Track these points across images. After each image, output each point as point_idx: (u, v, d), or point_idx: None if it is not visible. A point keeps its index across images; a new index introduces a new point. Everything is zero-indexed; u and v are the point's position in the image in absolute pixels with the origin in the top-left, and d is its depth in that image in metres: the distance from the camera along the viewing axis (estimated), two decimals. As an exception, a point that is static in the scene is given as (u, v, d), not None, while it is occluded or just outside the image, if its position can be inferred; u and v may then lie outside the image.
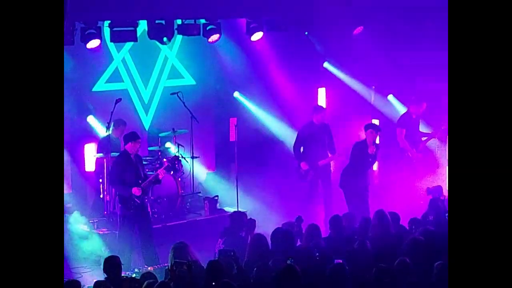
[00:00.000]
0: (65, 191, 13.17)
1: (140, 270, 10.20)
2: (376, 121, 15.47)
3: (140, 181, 11.48)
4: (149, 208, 12.07)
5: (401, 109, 15.58)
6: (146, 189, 11.56)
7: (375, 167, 14.16)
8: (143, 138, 14.55)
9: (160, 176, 11.70)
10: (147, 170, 12.23)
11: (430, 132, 14.47)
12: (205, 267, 8.30)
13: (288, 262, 8.22)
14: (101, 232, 12.50)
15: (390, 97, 15.89)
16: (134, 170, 11.48)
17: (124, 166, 11.44)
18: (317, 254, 8.82)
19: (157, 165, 12.95)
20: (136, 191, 11.36)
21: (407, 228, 10.25)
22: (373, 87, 15.93)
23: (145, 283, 7.88)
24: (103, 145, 12.98)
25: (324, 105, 14.35)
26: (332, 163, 14.04)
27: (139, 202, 11.46)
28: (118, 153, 12.05)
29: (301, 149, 13.72)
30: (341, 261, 8.34)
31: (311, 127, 13.73)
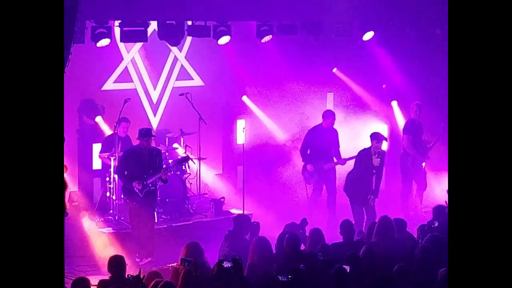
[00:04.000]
0: (72, 189, 13.22)
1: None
2: (384, 127, 15.48)
3: (145, 176, 11.75)
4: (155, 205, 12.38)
5: (400, 115, 15.72)
6: (147, 186, 11.80)
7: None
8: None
9: (163, 176, 11.91)
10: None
11: (434, 138, 14.49)
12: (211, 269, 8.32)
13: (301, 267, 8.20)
14: (107, 231, 12.50)
15: (394, 103, 15.92)
16: (141, 165, 11.82)
17: (130, 160, 11.86)
18: (321, 258, 8.79)
19: (163, 165, 12.97)
20: (136, 185, 11.70)
21: (414, 235, 10.24)
22: (384, 85, 15.99)
23: (154, 281, 7.89)
24: (108, 144, 13.01)
25: (332, 110, 14.36)
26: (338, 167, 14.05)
27: (141, 195, 11.72)
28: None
29: (308, 151, 13.88)
30: (347, 267, 8.31)
31: (319, 131, 13.89)
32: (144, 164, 11.86)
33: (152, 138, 12.06)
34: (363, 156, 12.84)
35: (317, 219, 12.86)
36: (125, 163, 11.90)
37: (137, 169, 11.82)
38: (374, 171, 12.77)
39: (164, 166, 12.24)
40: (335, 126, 14.05)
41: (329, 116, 13.90)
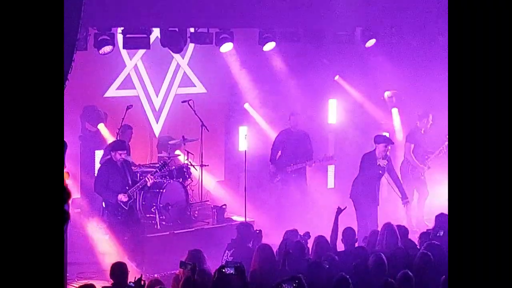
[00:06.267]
0: (74, 196, 13.22)
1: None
2: (386, 134, 15.49)
3: (127, 187, 11.67)
4: (139, 214, 12.38)
5: (399, 123, 15.74)
6: (132, 197, 11.74)
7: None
8: (153, 145, 14.67)
9: (148, 183, 11.84)
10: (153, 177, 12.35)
11: (438, 149, 14.54)
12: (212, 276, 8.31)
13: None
14: (109, 237, 12.48)
15: (394, 110, 15.94)
16: (120, 177, 11.71)
17: (109, 173, 11.70)
18: (327, 266, 8.77)
19: (166, 173, 12.98)
20: (121, 197, 11.57)
21: (416, 242, 10.22)
22: (386, 93, 16.00)
23: None
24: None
25: (297, 111, 14.46)
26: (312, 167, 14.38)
27: (126, 208, 11.64)
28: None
29: (278, 153, 14.29)
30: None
31: (286, 134, 14.28)
32: (124, 176, 11.77)
33: (120, 152, 11.74)
34: (368, 160, 12.80)
35: (320, 226, 12.86)
36: (104, 177, 11.74)
37: (118, 182, 11.70)
38: (380, 171, 12.77)
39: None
40: (337, 132, 14.10)
41: (293, 117, 14.21)
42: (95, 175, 12.27)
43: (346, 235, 10.09)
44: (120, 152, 11.72)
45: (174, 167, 13.24)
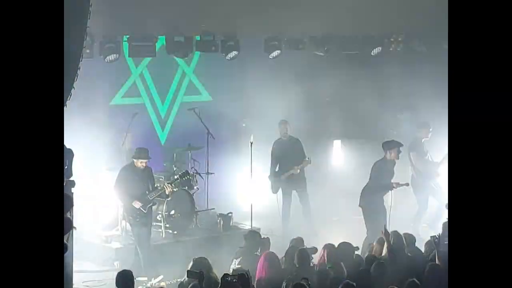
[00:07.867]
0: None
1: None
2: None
3: (147, 192, 11.78)
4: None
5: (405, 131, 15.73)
6: (152, 202, 11.87)
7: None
8: (159, 153, 14.65)
9: (166, 191, 11.96)
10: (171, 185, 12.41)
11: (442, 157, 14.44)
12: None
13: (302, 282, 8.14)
14: (115, 246, 12.49)
15: (402, 117, 15.90)
16: (140, 183, 11.82)
17: (129, 178, 11.79)
18: (332, 273, 8.76)
19: (171, 180, 12.98)
20: (136, 203, 11.66)
21: (423, 251, 10.18)
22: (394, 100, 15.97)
23: None
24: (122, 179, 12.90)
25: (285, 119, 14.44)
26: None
27: (145, 211, 11.74)
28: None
29: (277, 164, 14.21)
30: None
31: (278, 143, 14.25)
32: (143, 182, 11.87)
33: (141, 161, 11.79)
34: (378, 167, 12.71)
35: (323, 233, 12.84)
36: (125, 182, 11.85)
37: (138, 187, 11.81)
38: (391, 179, 12.70)
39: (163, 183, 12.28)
40: (344, 140, 14.03)
41: (281, 125, 14.17)
42: (116, 179, 12.25)
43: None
44: (141, 160, 11.78)
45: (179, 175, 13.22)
